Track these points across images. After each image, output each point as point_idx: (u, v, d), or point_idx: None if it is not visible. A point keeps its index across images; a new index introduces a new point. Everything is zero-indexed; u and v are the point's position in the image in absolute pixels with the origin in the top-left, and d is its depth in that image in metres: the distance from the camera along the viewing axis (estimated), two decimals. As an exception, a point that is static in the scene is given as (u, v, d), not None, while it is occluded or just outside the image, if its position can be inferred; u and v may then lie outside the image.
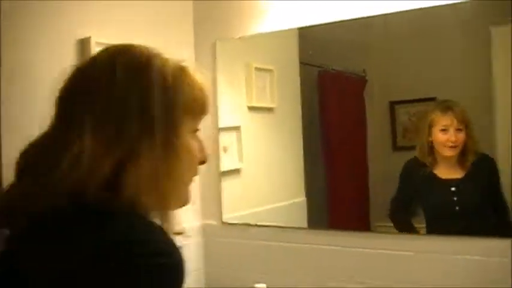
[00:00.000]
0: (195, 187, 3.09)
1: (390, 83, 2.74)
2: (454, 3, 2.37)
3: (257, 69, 2.98)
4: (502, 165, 2.39)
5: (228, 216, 2.99)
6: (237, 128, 3.01)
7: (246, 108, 3.01)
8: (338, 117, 2.91)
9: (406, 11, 2.46)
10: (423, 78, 2.62)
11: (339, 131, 2.91)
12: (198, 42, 3.09)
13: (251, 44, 2.98)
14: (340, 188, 2.91)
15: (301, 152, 2.92)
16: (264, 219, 2.90)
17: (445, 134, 2.51)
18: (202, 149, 1.16)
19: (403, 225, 2.68)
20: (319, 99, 2.94)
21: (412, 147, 2.64)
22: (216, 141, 2.98)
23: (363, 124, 2.80)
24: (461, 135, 2.48)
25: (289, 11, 2.78)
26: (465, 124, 2.48)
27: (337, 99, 2.94)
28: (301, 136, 2.93)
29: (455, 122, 2.48)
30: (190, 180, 1.18)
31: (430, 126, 2.55)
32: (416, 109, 2.66)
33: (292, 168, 3.00)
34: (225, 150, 2.99)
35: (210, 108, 1.18)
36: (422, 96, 2.65)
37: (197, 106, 1.14)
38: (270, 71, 3.00)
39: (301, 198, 2.92)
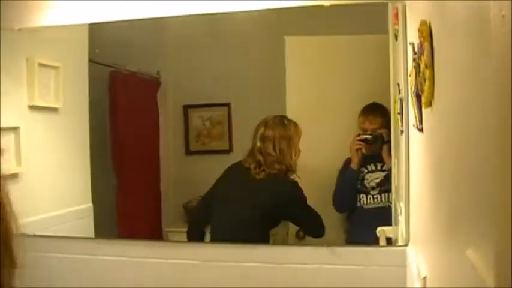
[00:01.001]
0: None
1: (185, 86, 2.72)
2: (251, 11, 2.38)
3: (41, 65, 2.71)
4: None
5: (3, 226, 2.65)
6: (15, 129, 2.70)
7: (27, 108, 2.72)
8: (130, 119, 2.79)
9: (204, 15, 2.41)
10: (218, 83, 2.64)
11: (131, 134, 2.79)
12: (-28, 31, 2.74)
13: (35, 37, 2.69)
14: (131, 193, 2.77)
15: (88, 155, 2.72)
16: (46, 229, 2.63)
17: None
18: None
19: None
20: (110, 100, 2.79)
21: (206, 152, 2.63)
22: (-12, 143, 2.66)
23: (155, 127, 2.73)
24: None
25: (79, 4, 2.57)
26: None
27: (130, 101, 2.81)
28: (88, 139, 2.72)
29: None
30: None
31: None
32: (210, 114, 2.66)
33: (78, 173, 2.78)
34: (1, 153, 2.67)
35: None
36: (217, 101, 2.66)
37: None
38: (55, 67, 2.74)
39: (88, 205, 2.73)
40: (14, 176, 2.70)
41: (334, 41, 2.49)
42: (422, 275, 1.50)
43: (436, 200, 1.34)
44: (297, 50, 2.53)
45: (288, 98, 2.50)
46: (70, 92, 2.79)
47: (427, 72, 1.23)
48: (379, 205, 2.45)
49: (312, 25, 2.47)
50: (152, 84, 2.73)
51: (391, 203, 2.39)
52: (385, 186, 2.43)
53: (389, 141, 2.37)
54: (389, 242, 2.26)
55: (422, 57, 1.29)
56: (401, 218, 2.19)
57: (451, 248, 1.11)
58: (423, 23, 1.27)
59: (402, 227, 2.18)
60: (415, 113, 1.59)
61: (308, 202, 2.49)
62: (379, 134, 2.42)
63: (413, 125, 1.70)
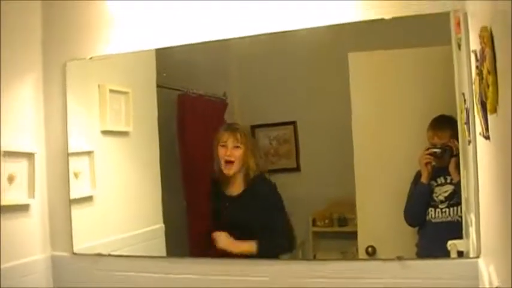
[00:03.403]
0: (43, 216, 2.88)
1: (251, 106, 2.75)
2: (313, 28, 2.42)
3: (112, 91, 2.84)
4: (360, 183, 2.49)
5: (80, 246, 2.78)
6: (89, 153, 2.82)
7: (100, 132, 2.84)
8: (198, 141, 2.85)
9: (266, 34, 2.48)
10: (283, 102, 2.67)
11: (199, 156, 2.85)
12: (47, 63, 2.88)
13: (105, 65, 2.83)
14: (201, 213, 2.82)
15: (159, 177, 2.81)
16: (120, 249, 2.74)
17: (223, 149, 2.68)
18: None
19: None
20: (178, 123, 2.86)
21: (274, 171, 2.67)
22: (65, 167, 2.79)
23: (224, 148, 2.77)
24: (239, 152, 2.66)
25: (145, 31, 2.70)
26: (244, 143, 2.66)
27: (198, 123, 2.87)
28: (159, 161, 2.81)
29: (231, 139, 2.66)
30: None
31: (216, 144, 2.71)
32: (276, 133, 2.69)
33: (149, 194, 2.87)
34: (76, 176, 2.79)
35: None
36: (283, 120, 2.69)
37: None
38: (125, 93, 2.86)
39: (159, 225, 2.81)
40: (89, 199, 2.82)
41: (397, 54, 2.48)
42: (495, 285, 1.47)
43: (506, 210, 1.32)
44: (361, 65, 2.52)
45: (353, 114, 2.50)
46: (140, 116, 2.90)
47: (490, 78, 1.22)
48: (448, 219, 2.41)
49: (375, 40, 2.47)
50: (219, 105, 2.79)
51: (460, 217, 2.34)
52: (453, 199, 2.38)
53: (457, 155, 2.33)
54: (461, 255, 2.22)
55: (484, 64, 1.28)
56: (472, 230, 2.15)
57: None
58: (484, 29, 1.26)
59: (473, 239, 2.13)
60: (480, 121, 1.57)
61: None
62: (448, 147, 2.38)
63: (480, 134, 1.68)
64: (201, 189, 2.85)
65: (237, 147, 2.65)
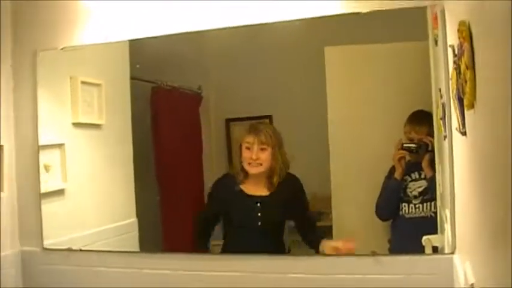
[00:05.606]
0: (12, 210, 2.82)
1: (226, 100, 2.73)
2: (290, 21, 2.39)
3: (84, 83, 2.77)
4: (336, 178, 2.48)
5: (50, 241, 2.72)
6: (60, 146, 2.76)
7: (71, 125, 2.78)
8: (172, 134, 2.81)
9: (243, 26, 2.44)
10: (259, 96, 2.64)
11: (173, 149, 2.81)
12: (17, 53, 2.80)
13: (77, 56, 2.76)
14: (175, 208, 2.79)
15: (132, 171, 2.76)
16: (92, 243, 2.69)
17: (249, 152, 2.58)
18: None
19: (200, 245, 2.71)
20: (152, 116, 2.82)
21: (248, 165, 2.65)
22: (35, 160, 2.73)
23: (198, 141, 2.74)
24: (265, 155, 2.57)
25: (119, 21, 2.64)
26: (270, 145, 2.56)
27: (172, 116, 2.83)
28: (132, 154, 2.76)
29: (257, 141, 2.56)
30: None
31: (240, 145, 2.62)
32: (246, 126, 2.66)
33: (122, 188, 2.83)
34: (46, 169, 2.73)
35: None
36: (258, 114, 2.66)
37: None
38: (97, 85, 2.81)
39: (132, 220, 2.76)
40: (60, 192, 2.77)
41: (373, 49, 2.47)
42: (470, 282, 1.46)
43: (482, 206, 1.31)
44: (337, 59, 2.51)
45: (329, 109, 2.49)
46: (113, 109, 2.84)
47: (468, 73, 1.21)
48: (421, 214, 2.41)
49: (351, 34, 2.46)
50: (194, 98, 2.75)
51: (433, 212, 2.34)
52: (427, 195, 2.38)
53: (432, 151, 2.32)
54: (436, 250, 2.22)
55: (462, 59, 1.26)
56: (447, 226, 2.15)
57: (498, 255, 1.08)
58: (462, 23, 1.25)
59: (448, 234, 2.13)
60: (457, 116, 1.56)
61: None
62: (424, 143, 2.37)
63: (456, 129, 1.67)
64: (175, 183, 2.81)
65: (263, 149, 2.57)
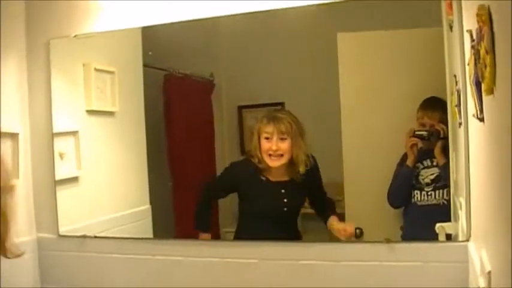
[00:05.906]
0: (28, 197, 2.84)
1: (238, 87, 2.73)
2: (303, 7, 2.37)
3: (97, 70, 2.78)
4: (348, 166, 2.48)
5: (65, 228, 2.74)
6: (74, 133, 2.78)
7: (85, 112, 2.79)
8: (184, 121, 2.82)
9: (255, 13, 2.42)
10: (272, 82, 2.64)
11: (186, 136, 2.82)
12: (31, 41, 2.82)
13: (90, 43, 2.76)
14: (187, 194, 2.79)
15: (145, 158, 2.77)
16: (106, 230, 2.71)
17: (268, 142, 2.53)
18: None
19: (202, 222, 2.67)
20: (165, 103, 2.83)
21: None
22: (50, 148, 2.75)
23: (210, 128, 2.75)
24: (285, 145, 2.52)
25: (131, 8, 2.63)
26: (291, 134, 2.51)
27: (184, 104, 2.84)
28: (145, 141, 2.78)
29: (276, 130, 2.51)
30: None
31: (258, 135, 2.57)
32: (263, 113, 2.66)
33: (136, 175, 2.84)
34: (61, 156, 2.75)
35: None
36: (270, 101, 2.66)
37: None
38: (111, 72, 2.81)
39: (146, 206, 2.78)
40: (74, 180, 2.79)
41: (387, 35, 2.45)
42: (487, 270, 1.46)
43: (498, 193, 1.30)
44: (350, 46, 2.50)
45: (342, 95, 2.48)
46: (126, 96, 2.86)
47: (488, 58, 1.20)
48: (433, 202, 2.40)
49: (364, 20, 2.44)
50: (206, 86, 2.75)
51: (446, 200, 2.34)
52: (440, 182, 2.37)
53: (444, 138, 2.31)
54: (449, 238, 2.22)
55: (481, 43, 1.25)
56: (462, 213, 2.14)
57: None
58: (481, 7, 1.24)
59: (463, 222, 2.13)
60: (474, 102, 1.55)
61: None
62: (436, 130, 2.36)
63: (473, 115, 1.66)
64: (187, 170, 2.83)
65: (283, 139, 2.51)
